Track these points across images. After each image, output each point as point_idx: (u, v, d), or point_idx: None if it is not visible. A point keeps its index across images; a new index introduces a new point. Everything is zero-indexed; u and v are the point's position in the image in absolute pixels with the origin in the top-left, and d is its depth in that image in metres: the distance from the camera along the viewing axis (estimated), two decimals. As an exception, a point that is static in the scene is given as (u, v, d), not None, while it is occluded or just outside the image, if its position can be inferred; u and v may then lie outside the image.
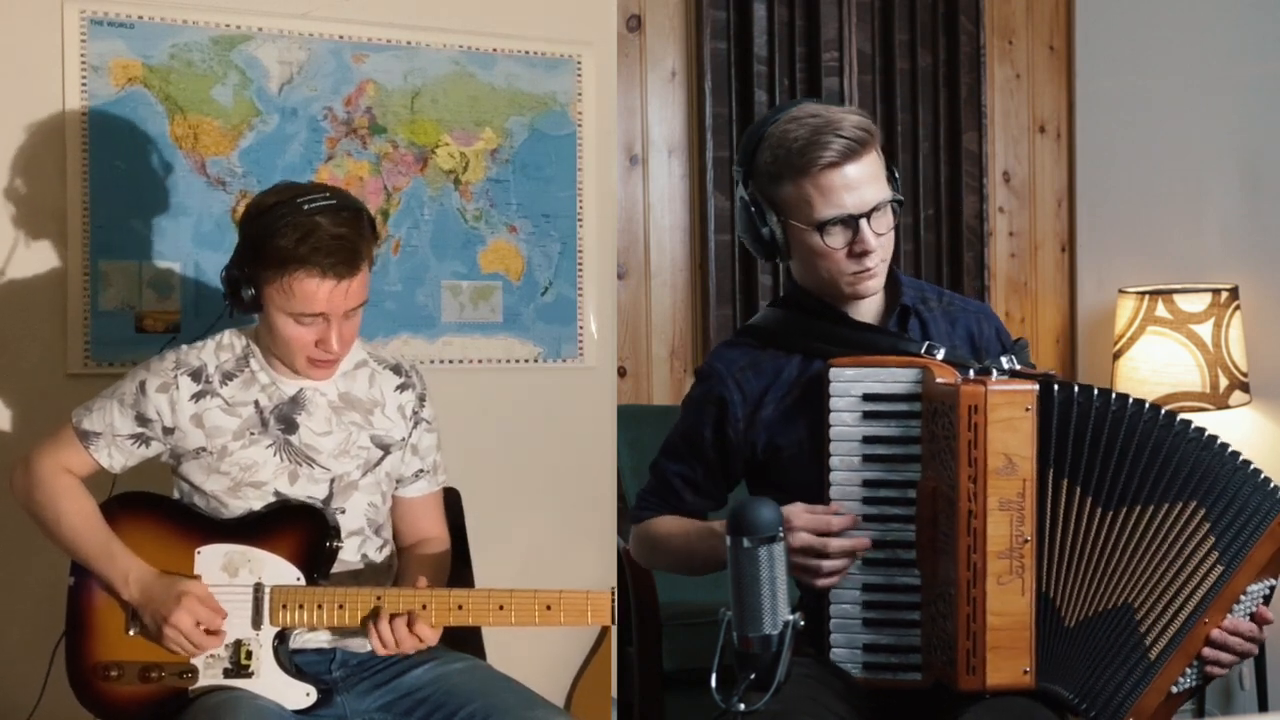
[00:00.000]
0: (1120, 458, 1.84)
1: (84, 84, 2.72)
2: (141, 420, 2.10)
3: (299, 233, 1.95)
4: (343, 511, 2.13)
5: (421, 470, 2.25)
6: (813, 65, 3.71)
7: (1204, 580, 1.85)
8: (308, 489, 2.12)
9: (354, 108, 2.97)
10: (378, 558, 2.19)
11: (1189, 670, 1.88)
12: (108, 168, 2.75)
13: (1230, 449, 1.86)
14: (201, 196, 2.83)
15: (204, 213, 2.83)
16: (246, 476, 2.09)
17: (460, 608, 1.99)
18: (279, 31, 2.89)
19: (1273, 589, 1.91)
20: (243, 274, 2.02)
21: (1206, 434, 1.86)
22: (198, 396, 2.09)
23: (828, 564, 1.90)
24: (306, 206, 1.97)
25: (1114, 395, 1.85)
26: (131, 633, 2.06)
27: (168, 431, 2.10)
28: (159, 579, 2.03)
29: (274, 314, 2.03)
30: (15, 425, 2.70)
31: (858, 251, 1.98)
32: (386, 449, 2.18)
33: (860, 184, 1.95)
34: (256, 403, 2.11)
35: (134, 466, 2.16)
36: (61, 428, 2.14)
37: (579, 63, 3.17)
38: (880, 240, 1.98)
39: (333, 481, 2.13)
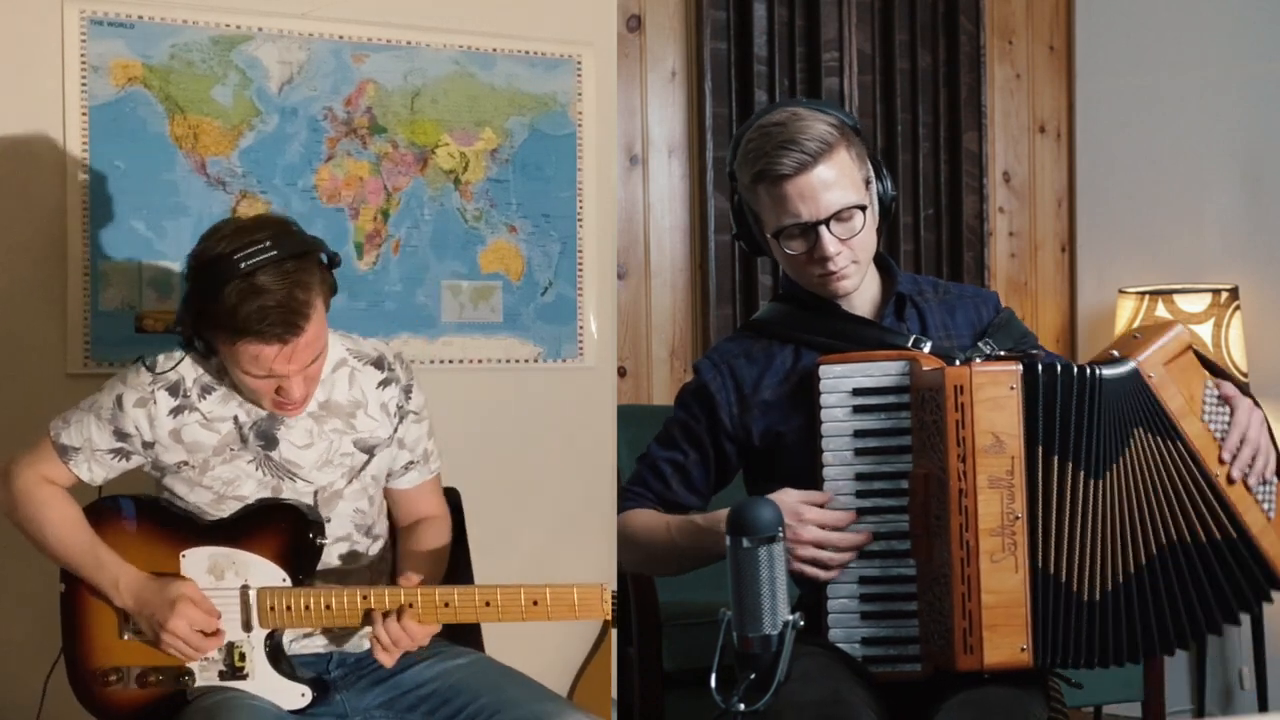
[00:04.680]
0: (1098, 424, 1.85)
1: (84, 84, 2.72)
2: (120, 435, 2.06)
3: (238, 298, 1.85)
4: (328, 520, 2.11)
5: (411, 462, 2.21)
6: (813, 65, 3.71)
7: (1186, 464, 1.87)
8: None
9: (354, 108, 2.97)
10: (368, 556, 2.18)
11: (1266, 494, 1.90)
12: (108, 168, 2.75)
13: None
14: (201, 196, 2.83)
15: (204, 213, 2.82)
16: (229, 490, 2.07)
17: (447, 605, 1.97)
18: (279, 31, 2.89)
19: (1207, 388, 1.91)
20: (190, 326, 1.96)
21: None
22: (176, 411, 2.05)
23: (839, 558, 1.92)
24: (244, 264, 1.86)
25: (1094, 368, 1.87)
26: (125, 637, 2.06)
27: (148, 445, 2.07)
28: (150, 583, 2.02)
29: (229, 367, 1.98)
30: (15, 425, 2.69)
31: (817, 257, 2.00)
32: (371, 451, 2.14)
33: (817, 192, 1.96)
34: (236, 418, 2.07)
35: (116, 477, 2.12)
36: (40, 439, 2.10)
37: (579, 63, 3.17)
38: (849, 243, 2.00)
39: (316, 493, 2.11)
